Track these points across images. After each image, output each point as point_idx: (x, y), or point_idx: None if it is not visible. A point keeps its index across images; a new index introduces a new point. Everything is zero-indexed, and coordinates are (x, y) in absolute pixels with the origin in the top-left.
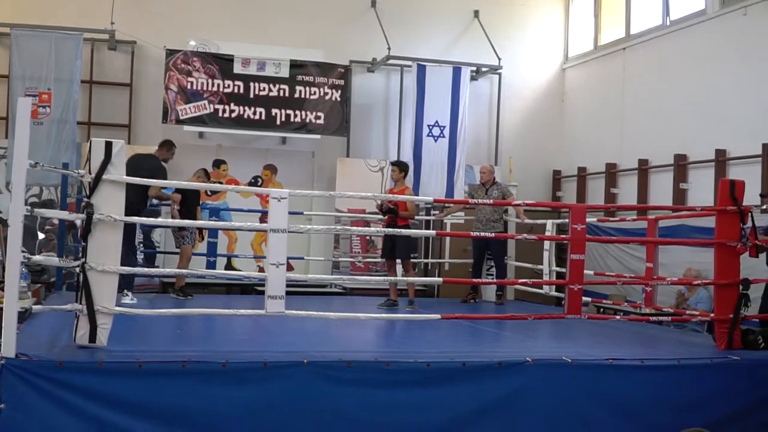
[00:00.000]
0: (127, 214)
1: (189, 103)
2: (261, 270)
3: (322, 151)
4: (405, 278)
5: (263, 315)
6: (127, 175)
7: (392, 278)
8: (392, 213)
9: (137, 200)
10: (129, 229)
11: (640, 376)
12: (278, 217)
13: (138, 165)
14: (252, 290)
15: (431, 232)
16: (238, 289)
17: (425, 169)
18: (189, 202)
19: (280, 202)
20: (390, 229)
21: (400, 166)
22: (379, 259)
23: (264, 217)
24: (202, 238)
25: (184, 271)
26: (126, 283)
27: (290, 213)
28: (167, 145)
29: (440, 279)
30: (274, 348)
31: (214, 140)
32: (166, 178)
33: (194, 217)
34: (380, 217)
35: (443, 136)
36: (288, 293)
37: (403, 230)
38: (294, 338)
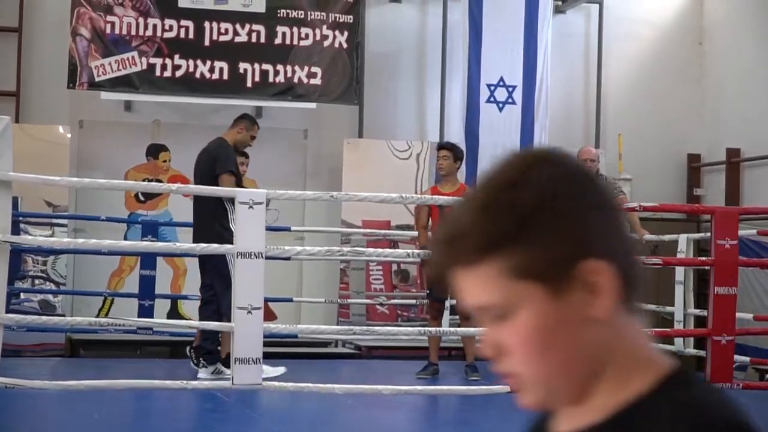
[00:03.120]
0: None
1: (109, 56)
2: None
3: (319, 128)
4: (461, 330)
5: (228, 389)
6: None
7: (438, 329)
8: None
9: (217, 213)
10: (221, 262)
11: None
12: (250, 234)
13: (201, 158)
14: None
15: None
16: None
17: (484, 153)
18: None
19: (252, 209)
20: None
21: (453, 151)
22: (414, 301)
23: None
24: None
25: (103, 320)
26: (210, 349)
27: (270, 228)
28: (244, 122)
29: None
30: None
31: (147, 114)
32: (234, 167)
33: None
34: (412, 233)
35: (512, 102)
36: (268, 355)
37: None
38: (279, 427)
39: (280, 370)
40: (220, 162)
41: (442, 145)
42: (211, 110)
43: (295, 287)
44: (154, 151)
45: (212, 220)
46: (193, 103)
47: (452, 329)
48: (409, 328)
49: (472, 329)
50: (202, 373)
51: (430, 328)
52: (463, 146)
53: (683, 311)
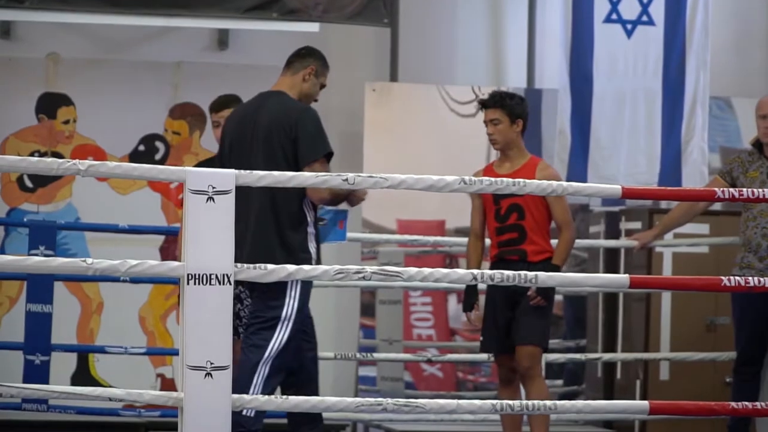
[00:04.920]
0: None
1: None
2: (166, 386)
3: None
4: (538, 402)
5: None
6: (228, 153)
7: (514, 402)
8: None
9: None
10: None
11: None
12: (209, 245)
13: (256, 120)
14: None
15: (621, 279)
16: None
17: (600, 111)
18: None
19: (213, 202)
20: (504, 272)
21: (506, 108)
22: (479, 355)
23: (172, 243)
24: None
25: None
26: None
27: None
28: (314, 61)
29: (646, 403)
30: None
31: (38, 44)
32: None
33: None
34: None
35: (649, 23)
36: None
37: (540, 274)
38: None
39: None
40: (312, 141)
41: (485, 102)
42: (143, 37)
43: None
44: (50, 105)
45: (289, 235)
46: (112, 26)
47: (538, 403)
48: (477, 401)
49: (548, 402)
50: None
51: (503, 402)
52: (566, 97)
53: None
